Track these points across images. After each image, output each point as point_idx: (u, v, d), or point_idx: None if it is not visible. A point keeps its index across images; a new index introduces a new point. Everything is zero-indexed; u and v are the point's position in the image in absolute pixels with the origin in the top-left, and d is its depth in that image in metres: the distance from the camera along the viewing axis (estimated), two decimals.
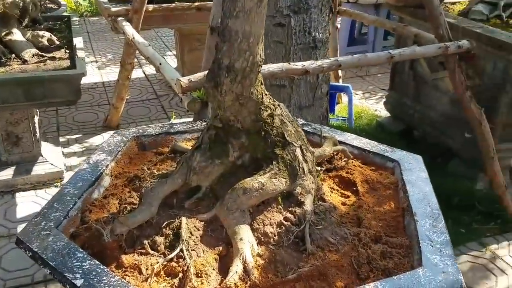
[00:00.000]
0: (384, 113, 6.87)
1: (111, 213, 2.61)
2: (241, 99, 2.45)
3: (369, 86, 7.78)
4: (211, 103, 2.52)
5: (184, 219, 2.47)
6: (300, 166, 2.58)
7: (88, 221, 2.58)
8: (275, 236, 2.45)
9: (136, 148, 3.35)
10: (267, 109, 2.57)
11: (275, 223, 2.49)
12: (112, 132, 6.50)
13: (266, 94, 2.56)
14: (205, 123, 3.58)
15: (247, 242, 2.36)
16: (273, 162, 2.54)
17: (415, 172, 2.98)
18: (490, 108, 4.81)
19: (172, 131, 3.47)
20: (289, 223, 2.49)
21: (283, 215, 2.53)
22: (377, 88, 7.72)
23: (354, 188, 2.96)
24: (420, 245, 2.36)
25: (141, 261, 2.30)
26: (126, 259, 2.32)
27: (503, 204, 4.81)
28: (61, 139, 6.00)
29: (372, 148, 3.25)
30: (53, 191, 5.15)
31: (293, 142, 2.59)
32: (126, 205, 2.67)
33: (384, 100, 6.58)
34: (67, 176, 5.24)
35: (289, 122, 2.63)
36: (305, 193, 2.60)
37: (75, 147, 5.94)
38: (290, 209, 2.55)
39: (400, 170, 3.01)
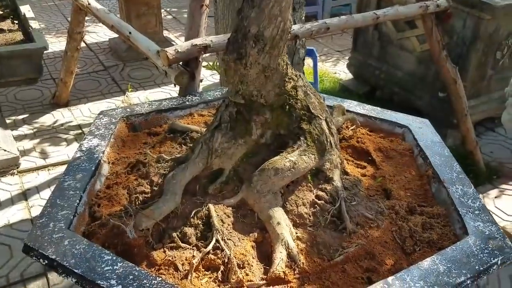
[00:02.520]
0: (344, 75, 6.83)
1: (124, 206, 2.33)
2: (267, 72, 2.23)
3: (324, 48, 7.71)
4: (230, 77, 2.28)
5: (212, 207, 2.25)
6: (328, 140, 2.43)
7: (100, 216, 2.29)
8: (310, 216, 2.30)
9: (126, 130, 3.03)
10: (291, 80, 2.37)
11: (308, 202, 2.33)
12: (63, 109, 5.99)
13: (289, 64, 2.35)
14: (195, 97, 3.31)
15: (285, 226, 2.19)
16: (301, 138, 2.36)
17: (428, 136, 2.93)
18: (459, 66, 4.86)
19: (163, 108, 3.17)
20: (322, 201, 2.34)
21: (314, 194, 2.38)
22: (332, 50, 7.67)
23: (369, 158, 2.86)
24: (460, 212, 2.31)
25: (174, 257, 2.08)
26: (158, 255, 2.08)
27: (475, 159, 4.97)
28: (7, 121, 5.43)
29: (377, 114, 3.16)
30: (9, 180, 4.66)
31: (319, 115, 2.42)
32: (138, 195, 2.40)
33: (346, 62, 6.53)
34: (24, 163, 4.76)
35: (312, 93, 2.45)
36: (333, 168, 2.46)
37: (25, 129, 5.43)
38: (320, 186, 2.41)
39: (413, 135, 2.94)
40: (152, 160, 2.62)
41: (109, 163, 2.69)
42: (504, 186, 4.94)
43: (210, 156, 2.33)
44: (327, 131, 2.43)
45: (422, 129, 3.00)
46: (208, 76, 6.68)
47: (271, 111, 2.36)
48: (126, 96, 6.22)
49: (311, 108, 2.40)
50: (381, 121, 3.10)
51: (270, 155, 2.39)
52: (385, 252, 2.19)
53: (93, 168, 2.51)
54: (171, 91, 6.42)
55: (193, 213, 2.22)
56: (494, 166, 5.28)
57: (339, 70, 7.18)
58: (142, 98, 6.20)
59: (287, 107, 2.37)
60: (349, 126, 3.05)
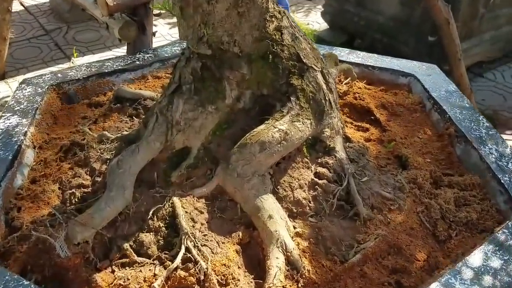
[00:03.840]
0: (317, 26, 6.19)
1: (55, 207, 1.68)
2: (241, 6, 1.58)
3: None
4: (189, 18, 1.62)
5: (176, 200, 1.64)
6: (326, 98, 1.82)
7: (20, 225, 1.64)
8: (310, 202, 1.71)
9: (59, 102, 2.34)
10: (273, 19, 1.72)
11: (306, 184, 1.74)
12: None
13: None
14: (148, 55, 2.63)
15: (279, 220, 1.60)
16: (291, 98, 1.74)
17: (440, 85, 2.36)
18: (449, 4, 4.28)
19: (106, 71, 2.48)
20: (324, 181, 1.76)
21: (312, 171, 1.78)
22: None
23: (372, 118, 2.28)
24: (501, 181, 1.77)
25: (127, 278, 1.47)
26: (103, 278, 1.47)
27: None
28: None
29: (375, 62, 2.56)
30: None
31: (313, 66, 1.80)
32: (74, 191, 1.76)
33: (319, 11, 5.88)
34: None
35: (301, 36, 1.82)
36: (334, 135, 1.86)
37: None
38: (320, 160, 1.82)
39: (422, 85, 2.37)
40: (92, 141, 1.97)
41: (34, 147, 2.02)
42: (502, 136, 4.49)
43: (170, 131, 1.69)
44: (324, 86, 1.81)
45: (431, 76, 2.43)
46: (166, 34, 5.90)
47: (249, 64, 1.73)
48: (72, 62, 5.43)
49: (302, 57, 1.77)
50: (381, 70, 2.51)
51: (251, 125, 1.78)
52: (413, 243, 1.64)
53: (10, 157, 1.84)
54: (124, 53, 5.65)
55: (151, 212, 1.60)
56: (489, 114, 4.81)
57: (311, 20, 6.51)
58: None
59: (271, 57, 1.73)
60: (342, 80, 2.44)
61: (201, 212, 1.65)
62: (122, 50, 5.84)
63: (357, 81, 2.48)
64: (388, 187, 1.81)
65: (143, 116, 2.15)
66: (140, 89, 2.41)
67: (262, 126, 1.70)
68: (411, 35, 4.89)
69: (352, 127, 2.23)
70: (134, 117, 2.19)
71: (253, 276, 1.54)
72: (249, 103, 1.80)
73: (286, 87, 1.76)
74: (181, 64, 1.76)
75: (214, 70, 1.70)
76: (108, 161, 1.80)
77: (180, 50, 2.68)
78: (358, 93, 2.39)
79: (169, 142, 1.70)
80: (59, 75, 2.41)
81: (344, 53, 2.61)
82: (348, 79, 2.42)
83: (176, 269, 1.48)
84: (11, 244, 1.59)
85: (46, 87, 2.29)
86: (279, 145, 1.67)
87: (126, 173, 1.60)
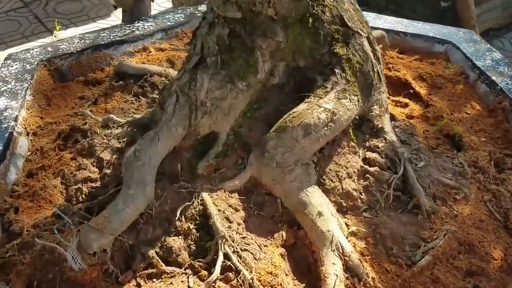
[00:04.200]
0: None
1: (60, 207, 1.40)
2: None
3: None
4: None
5: (207, 197, 1.37)
6: (374, 69, 1.54)
7: (19, 231, 1.36)
8: (361, 194, 1.46)
9: (51, 80, 2.02)
10: None
11: (354, 172, 1.48)
12: None
13: None
14: (148, 23, 2.31)
15: (330, 217, 1.35)
16: (335, 71, 1.46)
17: (483, 53, 2.10)
18: None
19: (102, 43, 2.16)
20: (375, 168, 1.50)
21: (360, 156, 1.53)
22: None
23: (410, 91, 2.01)
24: None
25: None
26: None
27: None
28: None
29: (407, 28, 2.28)
30: None
31: (359, 30, 1.52)
32: (81, 186, 1.48)
33: None
34: None
35: None
36: (383, 113, 1.60)
37: None
38: (368, 143, 1.55)
39: (462, 53, 2.11)
40: (96, 125, 1.67)
41: (28, 134, 1.72)
42: None
43: (194, 113, 1.40)
44: (371, 55, 1.54)
45: (471, 44, 2.16)
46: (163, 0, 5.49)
47: (285, 29, 1.43)
48: (54, 36, 5.03)
49: (346, 20, 1.48)
50: (414, 37, 2.24)
51: (286, 103, 1.50)
52: (486, 238, 1.41)
53: (0, 147, 1.54)
54: (111, 24, 5.25)
55: (178, 212, 1.32)
56: None
57: None
58: None
59: (310, 20, 1.45)
60: None
61: (236, 210, 1.39)
62: (107, 22, 5.43)
63: (387, 50, 2.21)
64: (447, 172, 1.57)
65: (152, 95, 1.86)
66: (143, 63, 2.10)
67: (303, 106, 1.42)
68: (419, 2, 4.61)
69: (389, 103, 1.96)
70: (140, 96, 1.89)
71: (304, 285, 1.29)
72: (282, 77, 1.51)
73: (329, 57, 1.48)
74: (203, 31, 1.46)
75: (244, 37, 1.41)
76: (118, 150, 1.52)
77: (184, 18, 2.37)
78: (391, 63, 2.13)
79: (193, 126, 1.42)
80: (49, 48, 2.09)
81: (370, 18, 2.32)
82: (380, 46, 2.14)
83: (215, 281, 1.22)
84: (10, 254, 1.31)
85: (36, 63, 1.97)
86: (325, 128, 1.40)
87: (146, 165, 1.31)
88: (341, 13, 1.49)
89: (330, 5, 1.47)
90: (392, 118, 1.76)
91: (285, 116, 1.42)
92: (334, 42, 1.48)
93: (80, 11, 5.74)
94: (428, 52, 2.21)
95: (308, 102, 1.43)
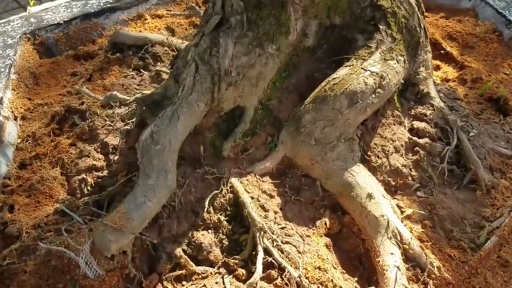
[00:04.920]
0: None
1: (63, 202, 1.19)
2: None
3: None
4: None
5: (237, 183, 1.17)
6: (421, 25, 1.34)
7: (17, 233, 1.16)
8: (411, 170, 1.28)
9: (36, 55, 1.78)
10: None
11: (402, 146, 1.30)
12: None
13: None
14: None
15: (382, 199, 1.16)
16: (380, 27, 1.26)
17: None
18: None
19: (92, 11, 1.91)
20: (425, 139, 1.31)
21: (407, 127, 1.34)
22: None
23: (442, 52, 1.82)
24: None
25: None
26: None
27: None
28: None
29: None
30: None
31: None
32: (85, 176, 1.27)
33: None
34: None
35: None
36: (429, 76, 1.40)
37: None
38: (414, 111, 1.36)
39: (494, 9, 1.91)
40: (95, 105, 1.45)
41: (16, 118, 1.49)
42: None
43: (217, 85, 1.19)
44: (416, 8, 1.33)
45: None
46: None
47: None
48: (28, 12, 4.69)
49: None
50: None
51: (321, 69, 1.30)
52: None
53: None
54: None
55: (206, 202, 1.12)
56: None
57: None
58: None
59: None
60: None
61: (271, 196, 1.19)
62: None
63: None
64: (500, 140, 1.39)
65: (156, 68, 1.63)
66: (140, 32, 1.86)
67: (345, 70, 1.22)
68: None
69: None
70: (141, 70, 1.67)
71: (356, 279, 1.11)
72: (314, 38, 1.30)
73: (371, 11, 1.27)
74: None
75: None
76: (126, 133, 1.30)
77: None
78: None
79: (216, 101, 1.20)
80: (32, 19, 1.84)
81: None
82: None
83: (256, 282, 1.03)
84: (9, 262, 1.10)
85: (18, 36, 1.72)
86: (373, 95, 1.20)
87: (166, 150, 1.10)
88: None
89: None
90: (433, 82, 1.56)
91: (323, 84, 1.22)
92: None
93: None
94: (454, 9, 2.03)
95: (351, 66, 1.23)
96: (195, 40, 1.25)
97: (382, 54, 1.24)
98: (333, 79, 1.21)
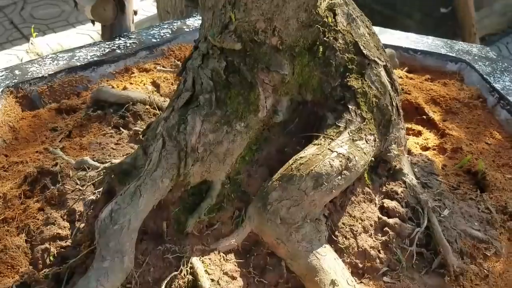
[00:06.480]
0: None
1: (23, 274, 1.17)
2: None
3: None
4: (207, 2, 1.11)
5: (197, 262, 1.15)
6: (393, 103, 1.33)
7: None
8: (380, 252, 1.25)
9: (18, 108, 1.78)
10: None
11: (371, 225, 1.27)
12: None
13: None
14: (131, 40, 2.07)
15: (346, 286, 1.13)
16: (349, 107, 1.25)
17: (501, 73, 1.91)
18: None
19: (78, 64, 1.92)
20: (395, 219, 1.29)
21: (377, 204, 1.31)
22: None
23: (424, 117, 1.81)
24: None
25: None
26: None
27: None
28: None
29: (416, 44, 2.08)
30: None
31: (376, 59, 1.30)
32: (48, 245, 1.25)
33: None
34: None
35: (359, 17, 1.31)
36: (402, 152, 1.39)
37: None
38: (385, 188, 1.34)
39: (479, 74, 1.91)
40: (68, 167, 1.44)
41: None
42: None
43: (184, 161, 1.18)
44: (389, 87, 1.33)
45: (488, 62, 1.97)
46: (149, 11, 5.21)
47: (291, 60, 1.22)
48: (31, 43, 4.76)
49: (361, 47, 1.27)
50: (424, 55, 2.04)
51: (290, 144, 1.29)
52: None
53: None
54: (91, 31, 4.97)
55: (163, 285, 1.09)
56: None
57: None
58: (53, 45, 4.72)
59: (321, 48, 1.23)
60: None
61: (233, 278, 1.17)
62: (88, 27, 5.19)
63: (395, 69, 2.00)
64: (474, 220, 1.36)
65: (135, 127, 1.63)
66: (124, 86, 1.88)
67: (312, 149, 1.21)
68: (416, 8, 4.45)
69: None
70: (121, 128, 1.67)
71: None
72: (286, 113, 1.30)
73: (341, 90, 1.27)
74: (195, 63, 1.23)
75: (244, 72, 1.19)
76: (93, 203, 1.29)
77: (170, 34, 2.14)
78: (400, 84, 1.91)
79: (182, 176, 1.19)
80: (16, 71, 1.85)
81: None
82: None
83: None
84: None
85: (1, 89, 1.73)
86: (339, 177, 1.18)
87: (125, 230, 1.09)
88: (356, 39, 1.27)
89: (343, 30, 1.26)
90: (409, 151, 1.55)
91: (290, 162, 1.20)
92: (347, 74, 1.26)
93: (58, 15, 5.48)
94: (440, 71, 2.02)
95: (319, 146, 1.21)
96: (165, 113, 1.25)
97: (350, 134, 1.23)
98: (300, 157, 1.19)
